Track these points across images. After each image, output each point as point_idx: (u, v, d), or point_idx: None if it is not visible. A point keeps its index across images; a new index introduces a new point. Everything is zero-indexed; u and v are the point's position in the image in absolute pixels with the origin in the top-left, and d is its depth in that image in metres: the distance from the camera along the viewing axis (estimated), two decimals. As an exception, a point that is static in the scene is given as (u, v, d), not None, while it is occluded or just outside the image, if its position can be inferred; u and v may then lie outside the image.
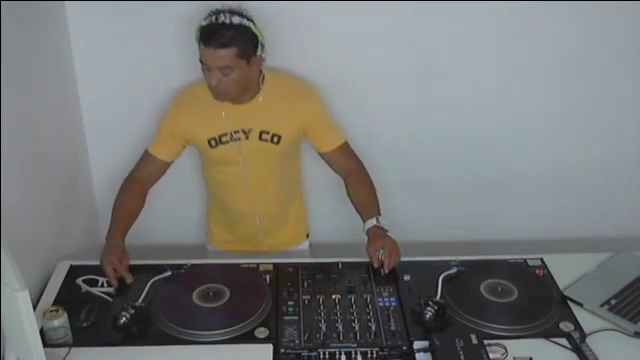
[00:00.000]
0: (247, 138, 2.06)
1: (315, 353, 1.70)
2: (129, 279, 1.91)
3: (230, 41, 1.86)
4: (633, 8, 2.19)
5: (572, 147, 2.47)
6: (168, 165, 2.13)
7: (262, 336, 1.74)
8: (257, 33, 1.92)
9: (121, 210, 2.06)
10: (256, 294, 1.87)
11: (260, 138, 2.06)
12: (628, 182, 2.56)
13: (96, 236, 2.39)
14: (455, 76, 2.31)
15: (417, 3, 2.15)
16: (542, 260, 2.06)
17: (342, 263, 2.02)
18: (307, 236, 2.37)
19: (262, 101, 2.04)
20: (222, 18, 1.87)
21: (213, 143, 2.07)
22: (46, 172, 2.05)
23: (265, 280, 1.95)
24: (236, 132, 2.05)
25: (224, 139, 2.06)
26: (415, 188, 2.53)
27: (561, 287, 1.94)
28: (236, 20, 1.88)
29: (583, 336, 1.74)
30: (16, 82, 1.81)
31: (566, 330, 1.77)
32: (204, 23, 1.89)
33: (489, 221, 2.60)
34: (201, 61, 1.91)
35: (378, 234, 2.01)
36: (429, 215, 2.59)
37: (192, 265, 2.00)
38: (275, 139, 2.07)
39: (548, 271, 2.02)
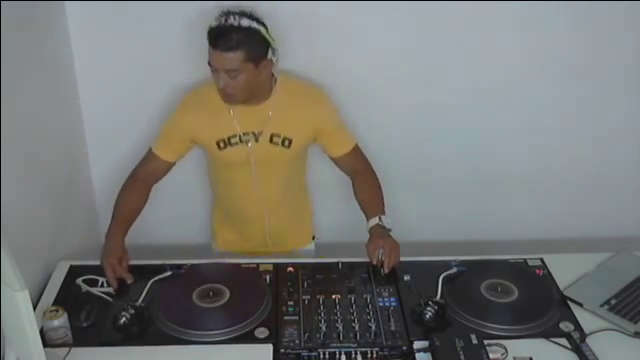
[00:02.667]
0: (257, 141, 2.03)
1: (315, 353, 1.70)
2: (129, 280, 1.90)
3: (237, 44, 1.83)
4: (633, 8, 2.19)
5: (572, 147, 2.47)
6: (172, 165, 2.11)
7: (262, 336, 1.74)
8: (268, 38, 1.89)
9: (122, 208, 2.04)
10: (256, 294, 1.87)
11: (271, 141, 2.04)
12: (628, 182, 2.56)
13: (96, 236, 2.39)
14: (456, 76, 2.31)
15: (419, 4, 2.15)
16: (542, 260, 2.06)
17: (342, 263, 2.02)
18: (313, 238, 2.36)
19: (274, 104, 2.01)
20: (231, 20, 1.84)
21: (222, 145, 2.03)
22: (46, 172, 2.05)
23: (265, 280, 1.95)
24: (246, 134, 2.03)
25: (233, 141, 2.03)
26: (415, 188, 2.53)
27: (561, 287, 1.94)
28: (245, 23, 1.85)
29: (583, 336, 1.74)
30: (16, 82, 1.81)
31: (566, 330, 1.77)
32: (213, 24, 1.86)
33: (489, 221, 2.60)
34: (209, 63, 1.89)
35: (379, 233, 2.01)
36: (429, 215, 2.59)
37: (192, 265, 2.00)
38: (286, 143, 2.04)
39: (548, 271, 2.02)
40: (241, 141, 2.03)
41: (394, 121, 2.38)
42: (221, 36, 1.83)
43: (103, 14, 2.13)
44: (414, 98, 2.34)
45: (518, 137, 2.44)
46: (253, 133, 2.03)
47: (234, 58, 1.84)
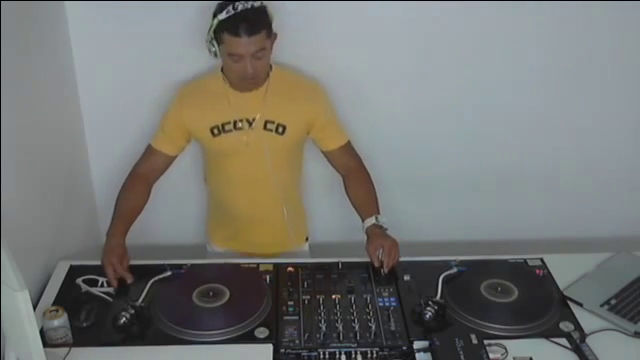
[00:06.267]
0: (251, 127, 2.04)
1: (315, 353, 1.70)
2: (129, 279, 1.90)
3: (259, 25, 1.88)
4: (633, 8, 2.19)
5: (572, 147, 2.47)
6: (172, 159, 2.12)
7: (262, 336, 1.74)
8: (271, 11, 1.94)
9: (124, 207, 2.04)
10: (256, 294, 1.87)
11: (265, 127, 2.05)
12: (627, 182, 2.55)
13: (96, 236, 2.39)
14: (456, 76, 2.30)
15: (418, 3, 2.15)
16: (542, 260, 2.06)
17: (342, 263, 2.02)
18: (306, 239, 2.35)
19: (269, 91, 2.03)
20: (241, 6, 1.87)
21: (216, 131, 2.04)
22: (46, 172, 2.05)
23: (265, 280, 1.95)
24: (240, 121, 2.04)
25: (227, 127, 2.04)
26: (415, 188, 2.52)
27: (561, 287, 1.94)
28: (256, 4, 1.90)
29: (583, 336, 1.74)
30: (16, 82, 1.81)
31: (566, 330, 1.77)
32: (224, 16, 1.87)
33: (489, 221, 2.60)
34: (230, 54, 1.90)
35: (377, 233, 2.01)
36: (429, 215, 2.59)
37: (192, 265, 2.00)
38: (280, 129, 2.05)
39: (548, 271, 2.02)
40: (235, 128, 2.04)
41: (394, 120, 2.38)
42: (242, 22, 1.86)
43: (103, 14, 2.13)
44: (414, 98, 2.34)
45: (518, 137, 2.44)
46: (247, 120, 2.04)
47: (260, 39, 1.89)
